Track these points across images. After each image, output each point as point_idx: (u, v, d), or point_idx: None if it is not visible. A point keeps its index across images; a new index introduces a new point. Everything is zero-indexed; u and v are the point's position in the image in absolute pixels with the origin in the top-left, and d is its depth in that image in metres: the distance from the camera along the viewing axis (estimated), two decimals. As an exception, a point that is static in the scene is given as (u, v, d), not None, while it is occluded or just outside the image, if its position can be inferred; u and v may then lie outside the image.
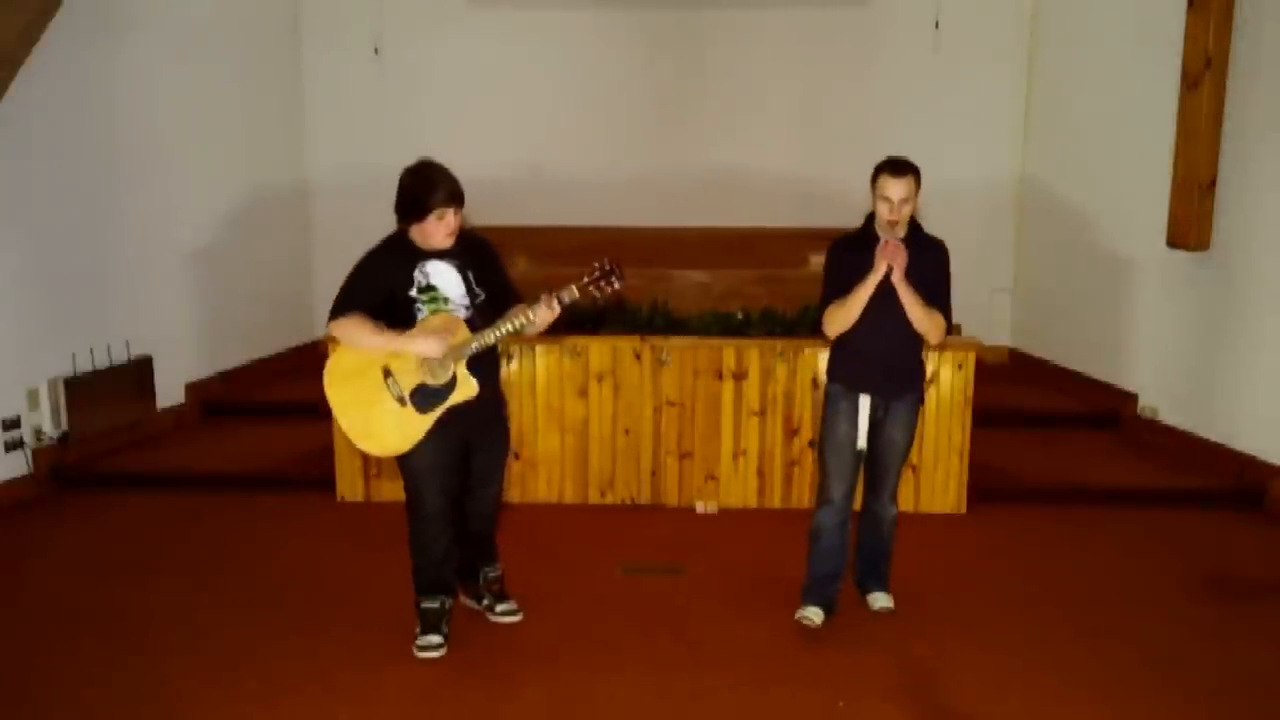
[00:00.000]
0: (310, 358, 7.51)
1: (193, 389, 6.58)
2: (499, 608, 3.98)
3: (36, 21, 5.14)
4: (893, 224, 3.59)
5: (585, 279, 3.50)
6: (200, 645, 3.77)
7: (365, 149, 7.82)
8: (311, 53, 7.86)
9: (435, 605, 3.72)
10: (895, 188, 3.57)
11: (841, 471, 3.80)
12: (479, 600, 3.99)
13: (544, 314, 3.47)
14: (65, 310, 5.60)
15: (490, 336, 3.50)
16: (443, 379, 3.50)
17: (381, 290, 3.50)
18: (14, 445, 5.30)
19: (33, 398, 5.41)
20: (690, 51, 7.76)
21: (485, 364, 3.59)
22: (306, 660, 3.66)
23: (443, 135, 7.36)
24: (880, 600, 4.01)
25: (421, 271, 3.52)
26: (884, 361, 3.71)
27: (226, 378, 6.90)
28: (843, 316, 3.66)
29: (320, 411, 5.25)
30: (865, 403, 3.74)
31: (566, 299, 3.48)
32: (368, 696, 3.43)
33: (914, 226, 3.75)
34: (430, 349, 3.44)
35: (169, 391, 6.35)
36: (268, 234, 7.51)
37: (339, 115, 7.92)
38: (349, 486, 5.27)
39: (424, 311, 3.50)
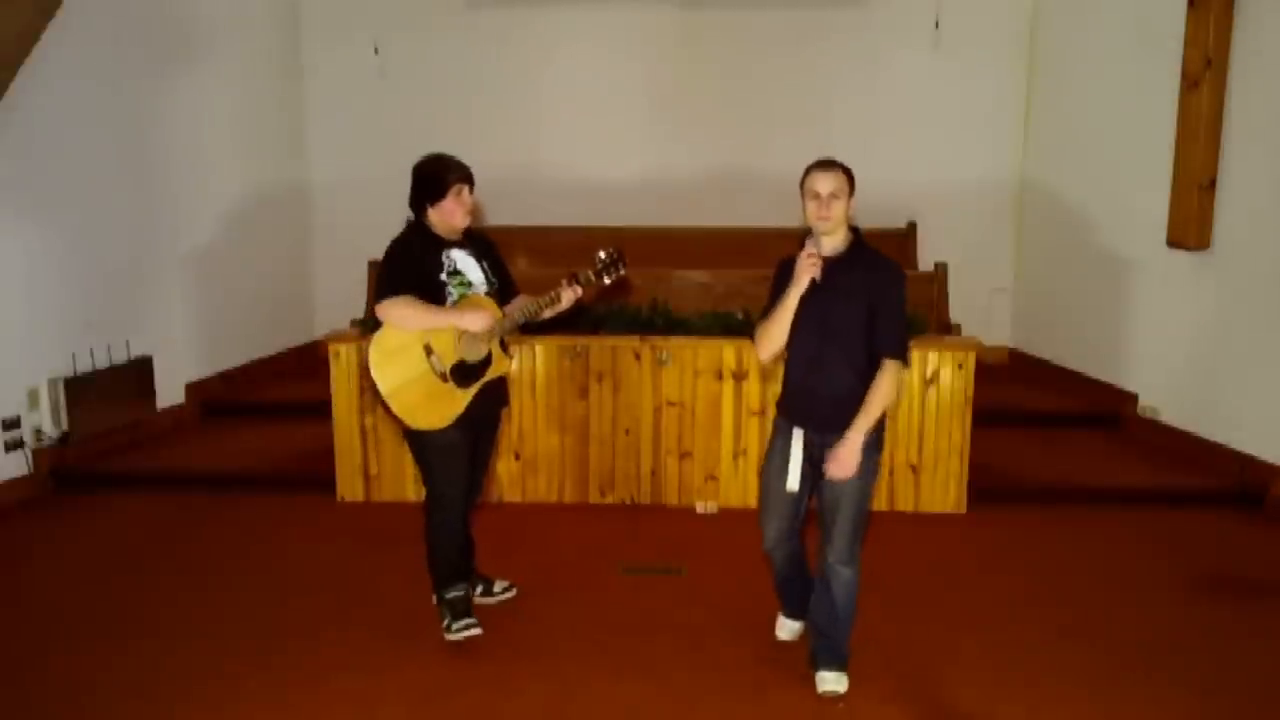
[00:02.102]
0: (310, 358, 7.54)
1: (193, 389, 6.58)
2: (496, 587, 4.12)
3: (36, 22, 5.14)
4: (823, 220, 3.28)
5: (597, 265, 3.73)
6: (200, 645, 3.77)
7: (365, 149, 7.84)
8: (311, 53, 7.88)
9: (460, 593, 3.80)
10: (823, 181, 3.28)
11: (774, 509, 3.48)
12: (474, 587, 4.05)
13: (568, 294, 3.68)
14: (65, 310, 5.60)
15: (520, 316, 3.69)
16: (479, 356, 3.67)
17: (417, 274, 3.62)
18: (14, 445, 5.30)
19: (33, 398, 5.41)
20: (690, 51, 7.76)
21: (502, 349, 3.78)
22: (307, 660, 3.66)
23: (442, 135, 7.35)
24: (828, 682, 3.43)
25: (447, 257, 3.68)
26: (815, 394, 3.35)
27: (226, 378, 6.91)
28: (769, 334, 3.36)
29: (321, 412, 5.35)
30: (798, 438, 3.39)
31: (585, 281, 3.71)
32: (368, 696, 3.43)
33: (859, 244, 3.39)
34: (480, 323, 3.59)
35: (169, 391, 6.35)
36: (268, 234, 7.52)
37: (339, 115, 7.93)
38: (349, 486, 5.27)
39: (454, 294, 3.65)
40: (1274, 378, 5.26)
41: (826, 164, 3.37)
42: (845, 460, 3.28)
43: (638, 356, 5.14)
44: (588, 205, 7.63)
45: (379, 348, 3.62)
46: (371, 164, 7.72)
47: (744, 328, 5.34)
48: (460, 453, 3.71)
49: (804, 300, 3.30)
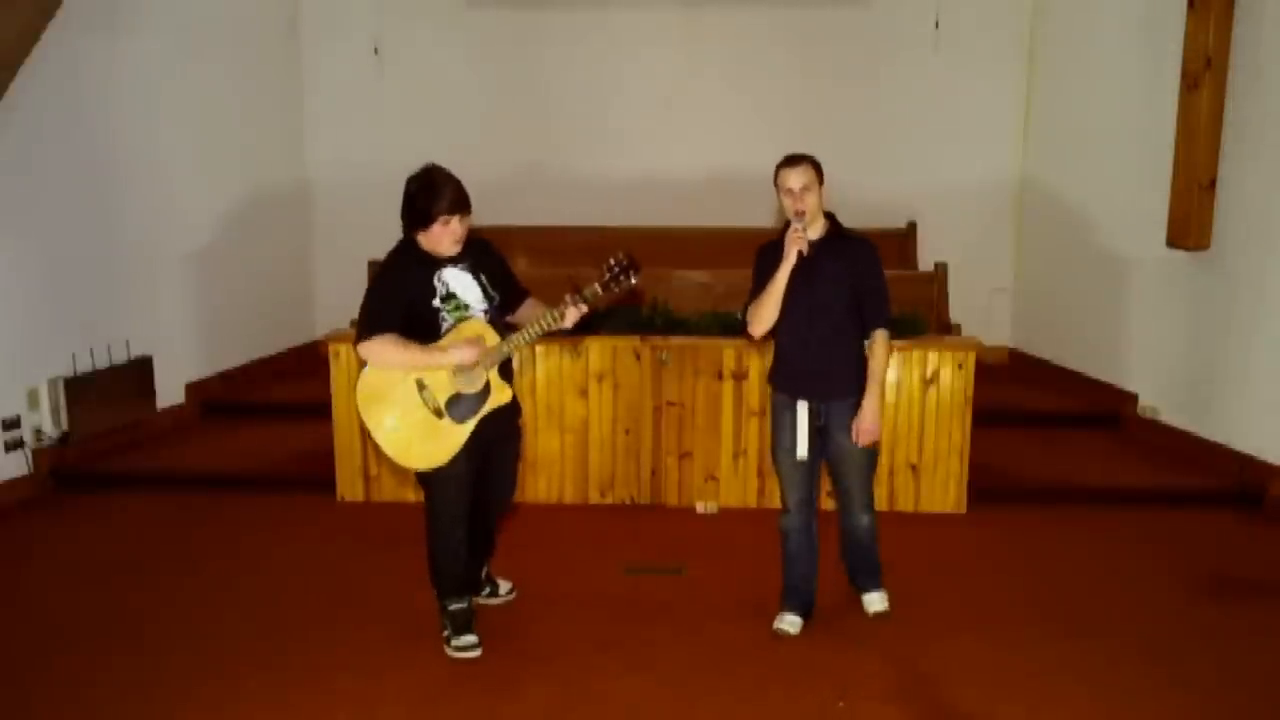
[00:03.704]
0: (310, 358, 7.54)
1: (193, 389, 6.58)
2: (501, 590, 4.10)
3: (36, 21, 5.14)
4: (799, 214, 3.54)
5: (605, 275, 3.51)
6: (200, 645, 3.77)
7: (365, 149, 7.84)
8: (311, 53, 7.88)
9: (464, 605, 3.72)
10: (793, 177, 3.55)
11: (791, 479, 3.76)
12: (479, 591, 4.03)
13: (572, 313, 3.51)
14: (65, 310, 5.60)
15: (520, 342, 3.53)
16: (476, 387, 3.51)
17: (405, 304, 3.46)
18: (14, 445, 5.30)
19: (33, 398, 5.41)
20: (691, 51, 7.76)
21: (502, 369, 3.61)
22: (307, 660, 3.65)
23: (442, 135, 7.40)
24: (875, 603, 3.96)
25: (440, 280, 3.51)
26: (812, 365, 3.66)
27: (226, 378, 6.91)
28: (761, 312, 3.64)
29: (321, 412, 5.35)
30: (803, 409, 3.68)
31: (590, 296, 3.51)
32: (368, 697, 3.42)
33: (837, 227, 3.71)
34: (467, 356, 3.44)
35: (169, 391, 6.35)
36: (268, 234, 7.52)
37: (339, 115, 7.93)
38: (349, 486, 5.27)
39: (449, 320, 3.49)
40: (1274, 378, 5.26)
41: (795, 160, 3.61)
42: (871, 427, 3.67)
43: (638, 356, 5.14)
44: (588, 205, 7.63)
45: (366, 387, 3.47)
46: (371, 164, 7.71)
47: (744, 327, 5.34)
48: (460, 479, 3.59)
49: (795, 284, 3.56)
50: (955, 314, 6.93)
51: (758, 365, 5.08)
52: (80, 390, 5.58)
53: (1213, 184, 5.56)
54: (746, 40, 7.70)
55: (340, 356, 5.17)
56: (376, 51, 7.74)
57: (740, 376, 5.09)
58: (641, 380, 5.14)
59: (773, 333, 3.71)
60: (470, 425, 3.52)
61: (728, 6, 7.67)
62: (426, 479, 3.63)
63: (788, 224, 3.59)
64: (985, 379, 5.24)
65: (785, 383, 3.74)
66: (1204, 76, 5.48)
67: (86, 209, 5.73)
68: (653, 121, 7.81)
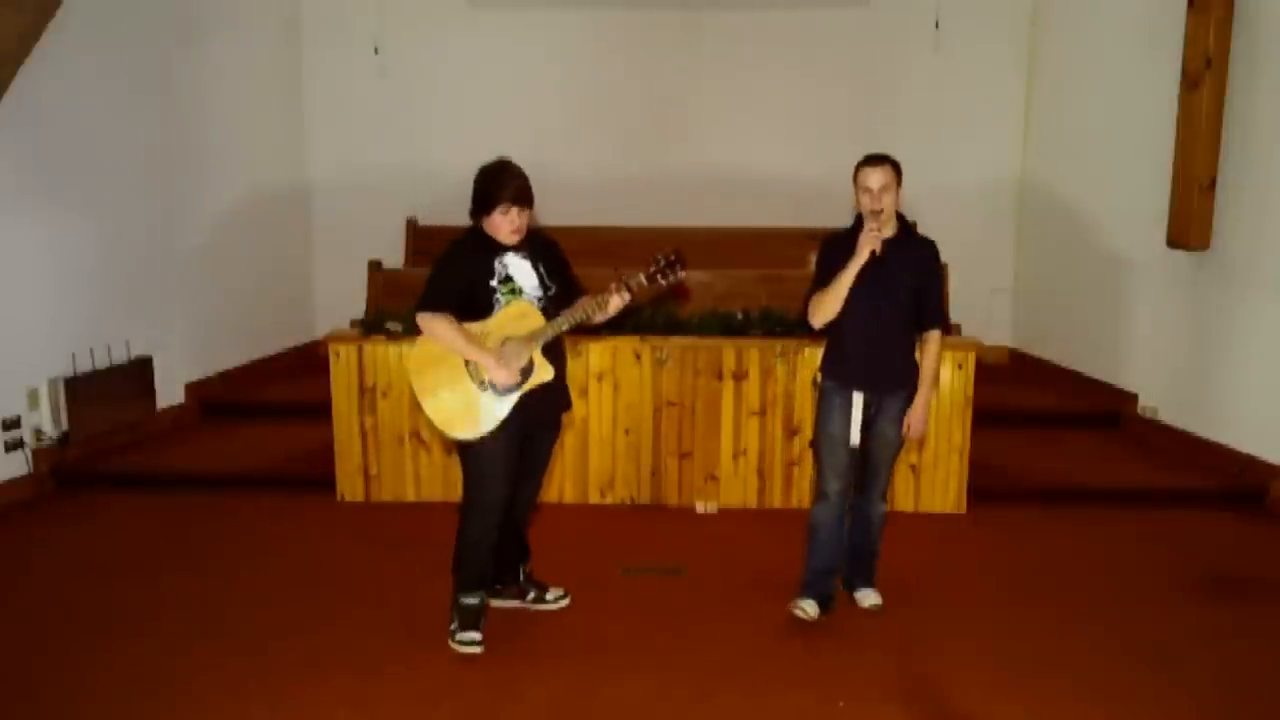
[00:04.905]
0: (310, 358, 7.53)
1: (193, 389, 6.58)
2: (549, 595, 4.09)
3: (36, 21, 5.14)
4: (875, 214, 3.63)
5: (651, 268, 3.64)
6: (200, 644, 3.77)
7: (365, 149, 7.83)
8: (311, 52, 7.87)
9: (475, 601, 3.76)
10: (873, 177, 3.64)
11: (836, 468, 3.84)
12: (524, 596, 4.05)
13: (615, 301, 3.60)
14: (65, 310, 5.60)
15: (564, 323, 3.63)
16: (521, 364, 3.62)
17: (465, 281, 3.60)
18: (14, 445, 5.30)
19: (33, 398, 5.41)
20: (691, 51, 7.76)
21: (553, 354, 3.70)
22: (306, 659, 3.65)
23: (442, 135, 7.41)
24: (869, 598, 4.03)
25: (500, 263, 3.65)
26: (875, 359, 3.76)
27: (226, 378, 6.91)
28: (826, 303, 3.70)
29: (321, 412, 5.34)
30: (858, 400, 3.78)
31: (634, 286, 3.61)
32: (367, 696, 3.43)
33: (907, 226, 3.84)
34: (500, 376, 3.56)
35: (169, 391, 6.35)
36: (268, 234, 7.52)
37: (339, 115, 7.92)
38: (349, 486, 5.27)
39: (502, 301, 3.62)
40: (1274, 378, 5.26)
41: (876, 160, 3.68)
42: (922, 423, 3.87)
43: (638, 356, 5.14)
44: (588, 205, 7.61)
45: (418, 356, 3.61)
46: (371, 164, 7.72)
47: (744, 327, 5.35)
48: (501, 463, 3.65)
49: (862, 279, 3.62)
50: (955, 314, 6.93)
51: (757, 365, 5.08)
52: (80, 390, 5.57)
53: (1213, 184, 5.56)
54: (746, 40, 7.70)
55: (340, 356, 5.17)
56: (376, 51, 7.73)
57: (740, 376, 5.09)
58: (641, 380, 5.14)
59: (830, 324, 3.78)
60: (512, 399, 3.61)
61: (727, 7, 7.66)
62: (468, 457, 3.68)
63: (858, 218, 3.68)
64: (985, 379, 5.24)
65: (842, 372, 3.81)
66: (1204, 76, 5.48)
67: (87, 209, 5.73)
68: (653, 121, 7.80)
